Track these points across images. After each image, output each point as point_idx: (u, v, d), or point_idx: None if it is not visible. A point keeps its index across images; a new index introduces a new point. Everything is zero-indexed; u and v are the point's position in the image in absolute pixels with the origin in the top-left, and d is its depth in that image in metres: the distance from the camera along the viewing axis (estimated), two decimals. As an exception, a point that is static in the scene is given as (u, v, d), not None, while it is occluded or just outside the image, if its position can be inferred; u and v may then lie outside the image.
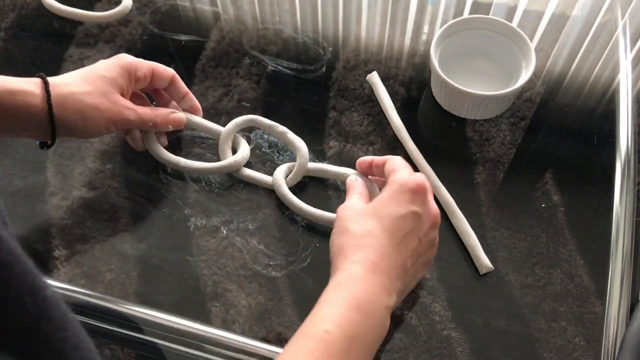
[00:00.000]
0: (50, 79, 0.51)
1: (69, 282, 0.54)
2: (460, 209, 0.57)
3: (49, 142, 0.53)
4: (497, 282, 0.54)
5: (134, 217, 0.58)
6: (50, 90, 0.50)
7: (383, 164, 0.52)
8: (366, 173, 0.55)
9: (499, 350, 0.51)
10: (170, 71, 0.59)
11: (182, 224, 0.58)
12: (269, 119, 0.61)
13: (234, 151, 0.60)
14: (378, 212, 0.46)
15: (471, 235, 0.55)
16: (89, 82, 0.52)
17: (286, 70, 0.68)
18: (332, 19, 0.73)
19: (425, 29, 0.71)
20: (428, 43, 0.69)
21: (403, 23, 0.72)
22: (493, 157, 0.61)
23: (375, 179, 0.56)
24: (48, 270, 0.55)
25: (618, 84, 0.65)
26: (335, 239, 0.47)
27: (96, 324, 0.52)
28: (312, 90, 0.66)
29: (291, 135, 0.60)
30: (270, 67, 0.68)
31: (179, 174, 0.61)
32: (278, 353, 0.49)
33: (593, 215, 0.57)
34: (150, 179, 0.61)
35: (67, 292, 0.53)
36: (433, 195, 0.51)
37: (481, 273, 0.54)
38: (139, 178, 0.61)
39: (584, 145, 0.62)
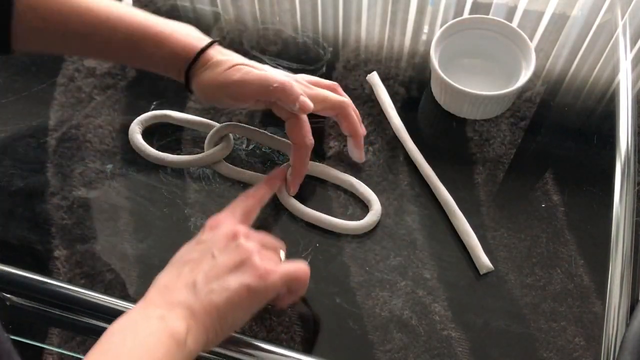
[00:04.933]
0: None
1: (69, 282, 0.54)
2: (460, 209, 0.57)
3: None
4: (497, 282, 0.54)
5: (134, 217, 0.58)
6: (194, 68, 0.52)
7: None
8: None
9: (499, 350, 0.51)
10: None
11: (182, 224, 0.58)
12: (269, 119, 0.61)
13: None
14: (173, 258, 0.47)
15: (471, 235, 0.55)
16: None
17: (286, 70, 0.68)
18: (332, 19, 0.73)
19: (425, 29, 0.71)
20: (428, 43, 0.69)
21: (403, 23, 0.72)
22: (493, 157, 0.61)
23: None
24: (48, 271, 0.55)
25: (618, 84, 0.65)
26: None
27: (96, 323, 0.52)
28: (312, 90, 0.66)
29: (274, 138, 0.59)
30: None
31: (179, 173, 0.61)
32: (278, 353, 0.50)
33: (593, 215, 0.57)
34: (150, 179, 0.61)
35: (67, 292, 0.53)
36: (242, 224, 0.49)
37: (481, 273, 0.54)
38: (139, 178, 0.61)
39: (584, 145, 0.62)
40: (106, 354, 0.38)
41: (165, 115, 0.63)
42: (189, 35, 0.53)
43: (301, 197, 0.58)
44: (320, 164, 0.60)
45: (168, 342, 0.39)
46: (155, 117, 0.63)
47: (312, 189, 0.60)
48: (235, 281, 0.43)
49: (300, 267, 0.47)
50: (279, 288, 0.45)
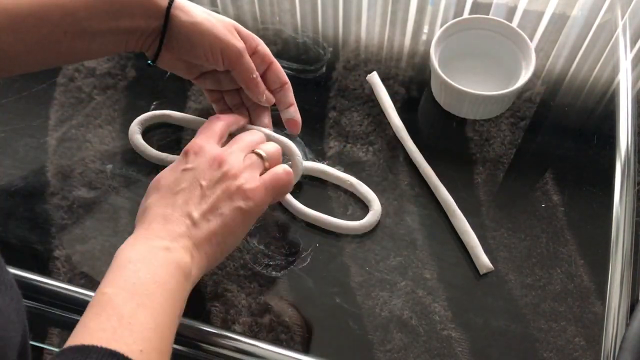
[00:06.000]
0: None
1: (69, 282, 0.54)
2: (460, 209, 0.57)
3: (151, 61, 0.55)
4: (497, 282, 0.54)
5: (134, 217, 0.58)
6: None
7: None
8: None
9: (499, 350, 0.51)
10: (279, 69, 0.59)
11: (182, 224, 0.57)
12: (269, 118, 0.61)
13: None
14: (159, 183, 0.48)
15: (471, 235, 0.55)
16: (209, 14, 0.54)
17: (286, 70, 0.67)
18: (332, 19, 0.73)
19: (425, 29, 0.71)
20: (428, 43, 0.69)
21: (403, 23, 0.72)
22: (493, 157, 0.61)
23: None
24: (48, 271, 0.55)
25: (618, 84, 0.65)
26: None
27: (96, 324, 0.52)
28: (312, 90, 0.66)
29: (275, 136, 0.59)
30: (270, 67, 0.68)
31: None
32: (278, 353, 0.50)
33: (593, 215, 0.57)
34: (150, 179, 0.60)
35: (67, 292, 0.53)
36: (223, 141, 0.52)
37: (481, 273, 0.54)
38: (139, 178, 0.61)
39: (584, 145, 0.62)
40: (124, 286, 0.40)
41: (165, 115, 0.63)
42: None
43: (301, 197, 0.58)
44: (320, 164, 0.60)
45: (177, 273, 0.42)
46: (155, 117, 0.63)
47: (312, 189, 0.60)
48: (228, 208, 0.47)
49: (278, 173, 0.50)
50: (268, 199, 0.49)
